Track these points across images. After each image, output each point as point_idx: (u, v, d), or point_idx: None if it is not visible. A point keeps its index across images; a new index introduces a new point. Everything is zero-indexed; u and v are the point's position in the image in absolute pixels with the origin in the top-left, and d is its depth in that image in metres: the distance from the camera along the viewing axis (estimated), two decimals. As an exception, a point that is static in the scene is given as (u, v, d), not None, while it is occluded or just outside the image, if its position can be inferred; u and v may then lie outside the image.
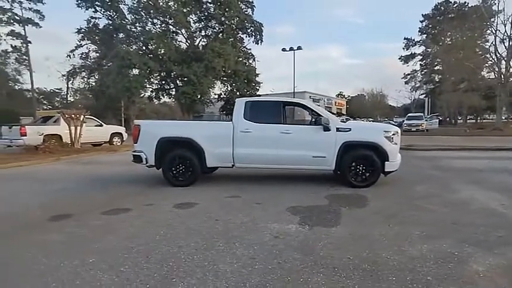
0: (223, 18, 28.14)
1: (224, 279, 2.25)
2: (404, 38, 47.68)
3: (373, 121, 33.96)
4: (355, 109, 56.25)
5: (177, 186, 5.42)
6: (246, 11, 29.60)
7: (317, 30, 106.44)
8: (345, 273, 2.33)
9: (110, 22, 27.72)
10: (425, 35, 45.26)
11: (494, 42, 25.30)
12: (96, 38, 28.93)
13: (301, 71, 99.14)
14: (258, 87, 30.43)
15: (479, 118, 45.92)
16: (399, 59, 48.82)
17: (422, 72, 48.62)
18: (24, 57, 33.07)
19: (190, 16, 28.68)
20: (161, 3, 26.53)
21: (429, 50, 43.96)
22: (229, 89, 30.17)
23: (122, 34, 27.58)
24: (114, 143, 13.98)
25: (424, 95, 50.76)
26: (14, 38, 32.01)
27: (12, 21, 30.60)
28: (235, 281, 2.24)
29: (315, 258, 2.59)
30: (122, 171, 7.37)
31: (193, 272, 2.37)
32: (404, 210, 3.99)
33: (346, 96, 68.08)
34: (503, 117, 29.96)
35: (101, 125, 13.86)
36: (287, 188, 5.29)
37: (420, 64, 48.06)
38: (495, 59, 25.49)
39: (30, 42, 31.58)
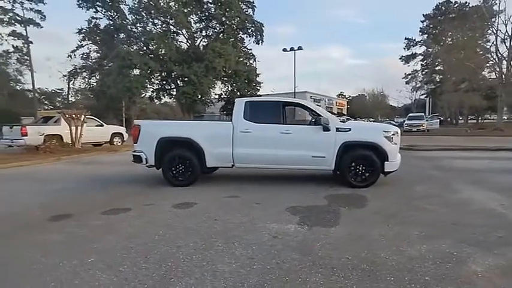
0: (224, 19, 28.18)
1: (222, 279, 2.26)
2: (405, 38, 47.63)
3: (373, 121, 33.94)
4: (356, 109, 56.22)
5: (177, 186, 5.43)
6: (247, 11, 29.64)
7: (318, 31, 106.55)
8: (343, 273, 2.33)
9: (111, 22, 27.80)
10: (426, 35, 45.20)
11: (495, 42, 25.33)
12: (97, 38, 29.00)
13: (302, 71, 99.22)
14: (258, 88, 30.50)
15: (480, 118, 45.85)
16: (400, 59, 48.79)
17: (423, 72, 48.53)
18: (26, 57, 33.11)
19: (191, 16, 28.73)
20: (162, 4, 26.56)
21: (430, 50, 43.90)
22: (229, 89, 30.21)
23: (122, 34, 27.65)
24: (115, 143, 14.00)
25: (425, 95, 50.70)
26: (16, 38, 32.07)
27: (13, 21, 30.66)
28: (233, 281, 2.24)
29: (314, 258, 2.59)
30: (122, 171, 7.38)
31: (192, 272, 2.38)
32: (403, 210, 3.99)
33: (347, 97, 68.04)
34: (505, 117, 29.90)
35: (102, 125, 13.90)
36: (286, 188, 5.29)
37: (421, 64, 48.03)
38: (496, 59, 25.49)
39: (31, 42, 31.68)
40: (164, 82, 29.45)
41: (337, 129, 5.24)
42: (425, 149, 11.66)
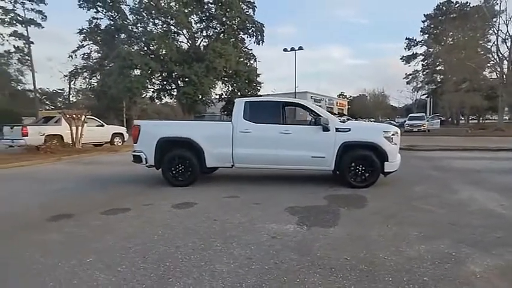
0: (224, 19, 28.22)
1: (220, 279, 2.26)
2: (406, 38, 47.61)
3: (374, 121, 33.90)
4: (356, 109, 56.22)
5: (177, 186, 5.43)
6: (247, 11, 29.68)
7: (318, 31, 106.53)
8: (342, 273, 2.33)
9: (112, 23, 27.88)
10: (427, 35, 45.15)
11: (496, 42, 25.30)
12: (98, 38, 29.10)
13: (303, 71, 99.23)
14: (259, 88, 30.52)
15: (481, 118, 45.77)
16: (401, 59, 48.75)
17: (424, 73, 48.49)
18: (27, 57, 33.20)
19: (192, 17, 28.80)
20: (163, 4, 26.62)
21: (431, 50, 43.85)
22: (230, 89, 30.25)
23: (123, 34, 27.72)
24: (115, 143, 14.02)
25: (426, 95, 50.65)
26: (17, 38, 32.20)
27: (14, 21, 30.76)
28: (231, 281, 2.24)
29: (312, 258, 2.58)
30: (123, 171, 7.39)
31: (190, 272, 2.38)
32: (403, 210, 3.98)
33: (347, 97, 68.04)
34: (506, 118, 29.84)
35: (102, 125, 13.91)
36: (286, 188, 5.29)
37: (422, 64, 47.98)
38: (497, 59, 25.42)
39: (32, 42, 31.78)
40: (165, 82, 29.50)
41: (337, 130, 5.24)
42: (426, 149, 11.64)
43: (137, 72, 25.66)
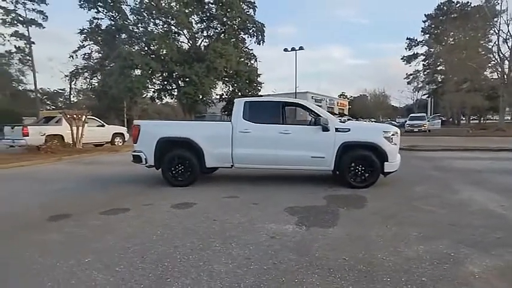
0: (225, 19, 28.23)
1: (219, 280, 2.26)
2: (407, 38, 47.59)
3: (375, 121, 33.87)
4: (357, 110, 56.19)
5: (177, 186, 5.43)
6: (248, 11, 29.68)
7: (319, 31, 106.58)
8: (340, 274, 2.33)
9: (112, 23, 27.93)
10: (428, 35, 45.09)
11: (497, 42, 25.21)
12: (99, 38, 29.15)
13: (303, 71, 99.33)
14: (259, 88, 30.53)
15: (482, 118, 45.67)
16: (402, 59, 48.72)
17: (425, 73, 48.45)
18: (28, 57, 33.31)
19: (192, 17, 28.83)
20: (163, 4, 26.65)
21: (432, 50, 43.80)
22: (231, 89, 30.26)
23: (124, 35, 27.76)
24: (116, 143, 14.04)
25: (427, 96, 50.58)
26: (18, 38, 32.27)
27: (16, 22, 30.82)
28: (229, 281, 2.24)
29: (311, 259, 2.58)
30: (123, 171, 7.40)
31: (188, 272, 2.38)
32: (403, 211, 3.97)
33: (348, 97, 68.01)
34: (508, 118, 29.78)
35: (103, 125, 13.93)
36: (285, 189, 5.29)
37: (423, 64, 47.95)
38: (498, 59, 25.35)
39: (33, 42, 31.87)
40: (165, 82, 29.54)
41: (337, 130, 5.23)
42: (427, 149, 11.62)
43: (138, 72, 25.69)
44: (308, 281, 2.24)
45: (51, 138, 11.40)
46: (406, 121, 29.92)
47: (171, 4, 27.00)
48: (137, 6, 26.75)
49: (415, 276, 2.27)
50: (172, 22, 27.15)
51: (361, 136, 5.30)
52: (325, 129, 5.22)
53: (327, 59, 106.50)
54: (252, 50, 31.91)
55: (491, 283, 2.18)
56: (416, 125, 26.37)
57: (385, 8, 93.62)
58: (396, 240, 2.96)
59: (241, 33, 30.50)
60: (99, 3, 26.85)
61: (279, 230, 3.25)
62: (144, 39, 27.09)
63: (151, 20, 27.26)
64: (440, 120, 32.24)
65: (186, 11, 27.18)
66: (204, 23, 29.78)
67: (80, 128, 11.88)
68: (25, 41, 32.24)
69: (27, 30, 31.02)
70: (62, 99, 42.59)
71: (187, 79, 26.16)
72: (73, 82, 33.82)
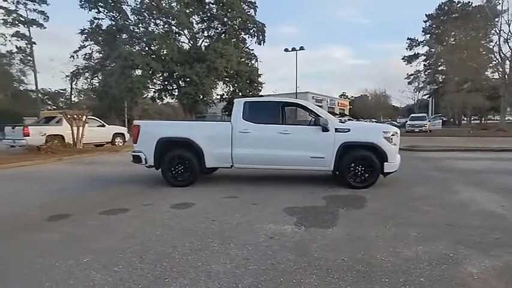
0: (225, 19, 28.23)
1: (217, 280, 2.26)
2: (408, 38, 47.55)
3: (376, 122, 33.83)
4: (358, 110, 56.13)
5: (176, 186, 5.44)
6: (249, 11, 29.68)
7: (320, 31, 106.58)
8: (338, 274, 2.32)
9: (113, 23, 27.96)
10: (429, 35, 45.05)
11: (498, 42, 25.20)
12: (99, 38, 29.18)
13: (304, 71, 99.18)
14: (260, 88, 30.51)
15: (483, 119, 45.58)
16: (402, 59, 48.68)
17: (426, 73, 48.37)
18: (29, 58, 33.42)
19: (193, 17, 28.85)
20: (164, 4, 26.67)
21: (433, 50, 43.72)
22: (231, 89, 30.24)
23: (124, 35, 27.80)
24: (116, 143, 14.05)
25: (428, 96, 50.50)
26: (19, 39, 32.42)
27: (17, 22, 30.94)
28: (227, 281, 2.24)
29: (309, 259, 2.58)
30: (123, 171, 7.41)
31: (187, 272, 2.38)
32: (402, 211, 3.97)
33: (349, 97, 67.96)
34: (509, 118, 29.71)
35: (103, 126, 13.94)
36: (285, 189, 5.29)
37: (424, 64, 47.90)
38: (499, 59, 25.31)
39: (34, 43, 31.98)
40: (166, 82, 29.55)
41: (336, 130, 5.23)
42: (427, 149, 11.60)
43: (138, 72, 25.71)
44: (306, 281, 2.24)
45: (51, 138, 11.42)
46: (407, 121, 29.89)
47: (172, 4, 27.03)
48: (138, 6, 26.79)
49: (413, 277, 2.26)
50: (173, 22, 27.17)
51: (361, 136, 5.29)
52: (325, 129, 5.21)
53: (327, 59, 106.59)
54: (252, 50, 31.97)
55: (490, 284, 2.18)
56: (417, 125, 26.36)
57: (385, 8, 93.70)
58: (395, 240, 2.96)
59: (242, 33, 30.51)
60: (99, 4, 26.89)
61: (277, 231, 3.25)
62: (144, 40, 27.13)
63: (152, 20, 27.29)
64: (441, 121, 32.21)
65: (187, 11, 27.20)
66: (205, 23, 29.79)
67: (81, 128, 11.90)
68: (26, 41, 32.37)
69: (28, 31, 31.15)
70: (62, 100, 42.69)
71: (187, 79, 26.18)
72: (74, 82, 33.94)
